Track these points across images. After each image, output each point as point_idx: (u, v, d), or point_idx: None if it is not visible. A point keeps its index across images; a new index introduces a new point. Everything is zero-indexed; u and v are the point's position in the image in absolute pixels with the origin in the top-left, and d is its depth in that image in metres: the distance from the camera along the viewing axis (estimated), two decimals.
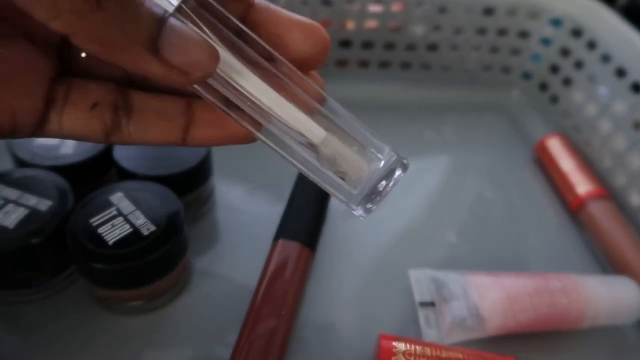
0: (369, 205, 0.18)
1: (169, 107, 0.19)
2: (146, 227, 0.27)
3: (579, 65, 0.44)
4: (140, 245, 0.26)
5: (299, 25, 0.18)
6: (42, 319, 0.28)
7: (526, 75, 0.50)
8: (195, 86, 0.17)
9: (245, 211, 0.35)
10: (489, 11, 0.45)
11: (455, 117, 0.47)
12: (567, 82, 0.45)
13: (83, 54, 0.19)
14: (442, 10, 0.44)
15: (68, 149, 0.30)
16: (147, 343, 0.28)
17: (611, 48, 0.40)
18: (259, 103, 0.17)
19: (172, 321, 0.29)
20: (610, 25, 0.41)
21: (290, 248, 0.30)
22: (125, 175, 0.30)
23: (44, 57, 0.18)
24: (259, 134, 0.18)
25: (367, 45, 0.46)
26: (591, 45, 0.42)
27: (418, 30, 0.46)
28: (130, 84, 0.19)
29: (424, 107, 0.47)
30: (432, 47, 0.47)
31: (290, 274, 0.29)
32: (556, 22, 0.46)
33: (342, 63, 0.47)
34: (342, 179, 0.18)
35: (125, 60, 0.15)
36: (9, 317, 0.28)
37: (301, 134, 0.17)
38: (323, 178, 0.18)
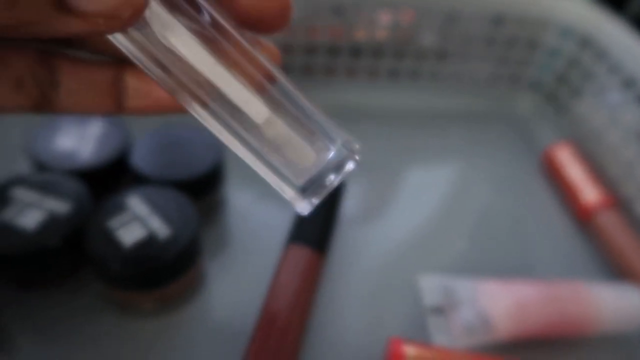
0: (313, 200, 0.16)
1: (97, 77, 0.18)
2: (161, 230, 0.27)
3: (587, 75, 0.44)
4: (155, 248, 0.26)
5: None
6: (57, 319, 0.28)
7: (535, 85, 0.50)
8: (122, 45, 0.15)
9: (257, 215, 0.36)
10: (498, 21, 0.46)
11: (463, 126, 0.47)
12: (575, 92, 0.46)
13: None
14: (452, 20, 0.45)
15: (86, 153, 0.31)
16: (158, 345, 0.28)
17: (620, 58, 0.40)
18: (190, 66, 0.15)
19: (183, 324, 0.29)
20: (619, 36, 0.41)
21: (302, 253, 0.30)
22: (141, 179, 0.30)
23: None
24: (192, 105, 0.16)
25: (376, 54, 0.46)
26: (600, 55, 0.43)
27: (427, 39, 0.47)
28: (58, 47, 0.18)
29: (432, 116, 0.48)
30: (441, 57, 0.48)
31: (302, 278, 0.29)
32: (565, 33, 0.46)
33: (351, 72, 0.47)
34: (286, 167, 0.16)
35: (31, 24, 0.12)
36: (24, 316, 0.28)
37: (242, 111, 0.16)
38: (265, 165, 0.16)
